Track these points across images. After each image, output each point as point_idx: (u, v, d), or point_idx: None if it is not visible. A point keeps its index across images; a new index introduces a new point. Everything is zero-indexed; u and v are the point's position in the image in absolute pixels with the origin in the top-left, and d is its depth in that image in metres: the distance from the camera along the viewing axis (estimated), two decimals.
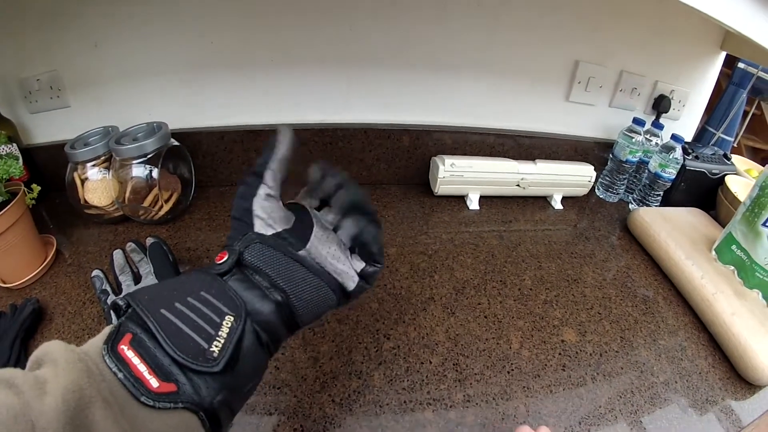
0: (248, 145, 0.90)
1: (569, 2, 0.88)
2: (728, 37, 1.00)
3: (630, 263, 0.85)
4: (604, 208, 1.02)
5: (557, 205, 1.00)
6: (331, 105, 0.92)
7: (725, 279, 0.74)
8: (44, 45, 0.77)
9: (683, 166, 0.96)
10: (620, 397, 0.58)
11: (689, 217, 0.91)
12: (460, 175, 0.92)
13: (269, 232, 0.37)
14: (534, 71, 0.96)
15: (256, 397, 0.53)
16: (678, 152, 0.92)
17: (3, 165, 0.62)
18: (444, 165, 0.90)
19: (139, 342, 0.28)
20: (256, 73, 0.86)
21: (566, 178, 0.98)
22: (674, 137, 0.92)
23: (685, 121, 1.14)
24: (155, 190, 0.77)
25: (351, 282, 0.39)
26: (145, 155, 0.75)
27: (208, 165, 0.91)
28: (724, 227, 0.80)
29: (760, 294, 0.71)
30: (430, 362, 0.60)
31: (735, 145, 2.11)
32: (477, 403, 0.55)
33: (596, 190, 1.07)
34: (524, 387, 0.58)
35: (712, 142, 1.82)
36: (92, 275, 0.61)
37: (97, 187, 0.77)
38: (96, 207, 0.78)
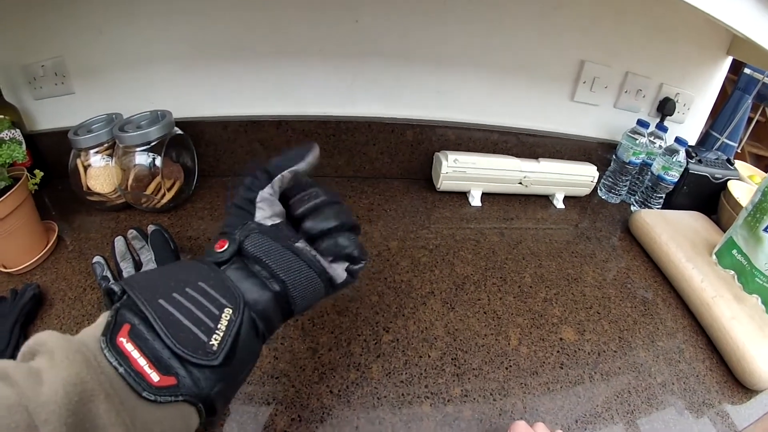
0: (251, 135, 0.90)
1: (576, 1, 0.88)
2: (735, 42, 1.00)
3: (630, 264, 0.85)
4: (605, 208, 1.02)
5: (559, 204, 1.00)
6: (336, 98, 0.92)
7: (725, 283, 0.74)
8: (49, 31, 0.77)
9: (686, 169, 0.96)
10: (617, 396, 0.58)
11: (691, 220, 0.91)
12: (463, 171, 0.92)
13: (268, 223, 0.37)
14: (539, 70, 0.96)
15: (255, 386, 0.53)
16: (681, 155, 0.92)
17: (6, 149, 0.62)
18: (447, 160, 0.90)
19: (137, 334, 0.28)
20: (261, 63, 0.86)
21: (569, 178, 0.98)
22: (678, 140, 0.92)
23: (689, 125, 1.14)
24: (158, 178, 0.77)
25: (336, 274, 0.39)
26: (148, 143, 0.75)
27: (211, 154, 0.91)
28: (725, 232, 0.80)
29: (760, 299, 0.71)
30: (429, 356, 0.60)
31: (739, 150, 2.11)
32: (474, 398, 0.55)
33: (598, 191, 1.07)
34: (522, 383, 0.58)
35: (716, 146, 1.82)
36: (93, 261, 0.61)
37: (99, 174, 0.77)
38: (98, 194, 0.78)
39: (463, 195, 0.98)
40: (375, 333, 0.62)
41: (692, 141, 1.17)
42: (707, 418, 0.58)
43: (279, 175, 0.39)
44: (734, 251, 0.75)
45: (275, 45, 0.84)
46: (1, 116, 0.73)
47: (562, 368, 0.61)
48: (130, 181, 0.77)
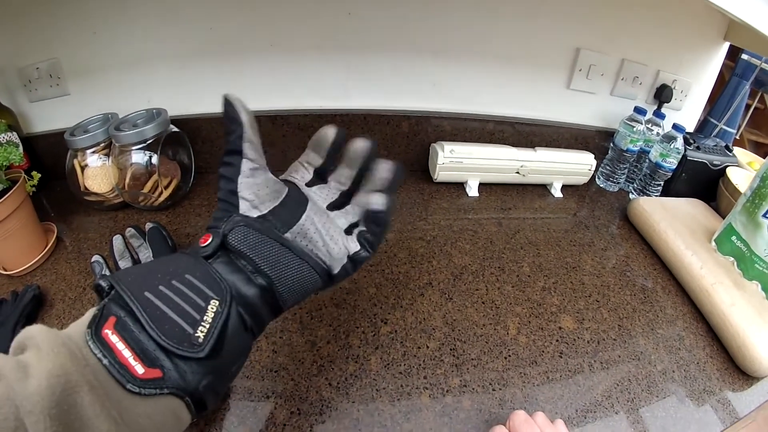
0: None
1: None
2: (732, 28, 0.99)
3: (629, 252, 0.84)
4: (604, 197, 1.02)
5: (557, 193, 1.00)
6: (331, 91, 0.92)
7: (724, 270, 0.74)
8: (43, 33, 0.77)
9: (684, 156, 0.95)
10: (617, 385, 0.58)
11: (689, 207, 0.91)
12: (460, 162, 0.92)
13: (254, 214, 0.36)
14: (535, 58, 0.96)
15: (254, 380, 0.53)
16: (679, 142, 0.91)
17: (3, 152, 0.62)
18: (443, 151, 0.90)
19: (123, 326, 0.27)
20: (255, 59, 0.85)
21: (566, 167, 0.98)
22: (676, 127, 0.91)
23: (687, 112, 1.14)
24: (155, 177, 0.77)
25: (337, 265, 0.39)
26: (144, 141, 0.75)
27: (208, 151, 0.91)
28: (724, 218, 0.79)
29: (759, 285, 0.71)
30: (427, 347, 0.60)
31: (737, 137, 2.10)
32: (473, 389, 0.55)
33: (596, 179, 1.07)
34: (521, 373, 0.58)
35: (714, 133, 1.82)
36: (92, 261, 0.61)
37: (96, 173, 0.77)
38: (96, 194, 0.78)
39: (460, 185, 0.98)
40: (373, 325, 0.62)
41: (690, 128, 1.16)
42: (708, 405, 0.58)
43: (246, 143, 0.37)
44: (733, 237, 0.75)
45: (269, 40, 0.83)
46: None
47: (561, 357, 0.61)
48: (127, 180, 0.77)
